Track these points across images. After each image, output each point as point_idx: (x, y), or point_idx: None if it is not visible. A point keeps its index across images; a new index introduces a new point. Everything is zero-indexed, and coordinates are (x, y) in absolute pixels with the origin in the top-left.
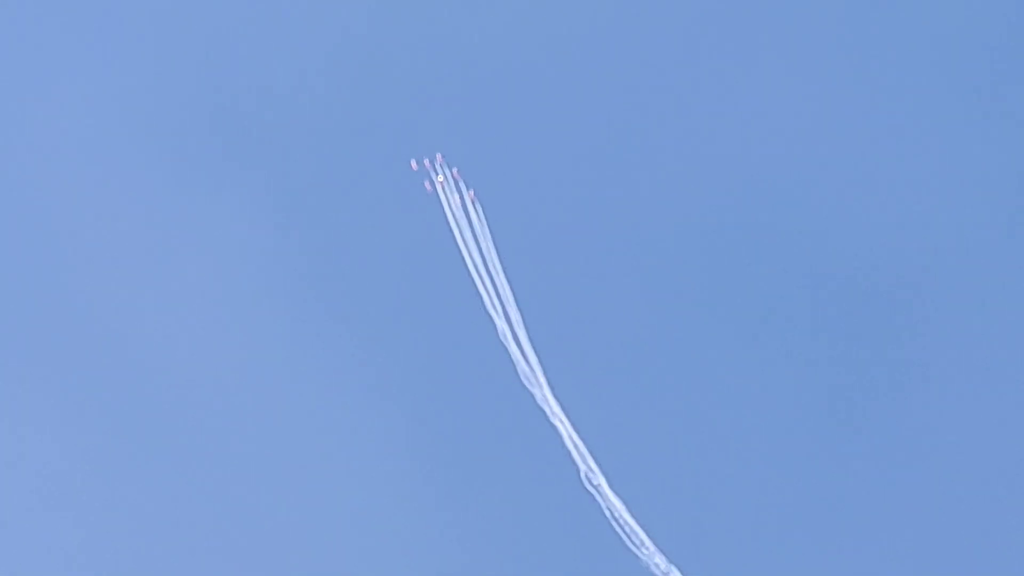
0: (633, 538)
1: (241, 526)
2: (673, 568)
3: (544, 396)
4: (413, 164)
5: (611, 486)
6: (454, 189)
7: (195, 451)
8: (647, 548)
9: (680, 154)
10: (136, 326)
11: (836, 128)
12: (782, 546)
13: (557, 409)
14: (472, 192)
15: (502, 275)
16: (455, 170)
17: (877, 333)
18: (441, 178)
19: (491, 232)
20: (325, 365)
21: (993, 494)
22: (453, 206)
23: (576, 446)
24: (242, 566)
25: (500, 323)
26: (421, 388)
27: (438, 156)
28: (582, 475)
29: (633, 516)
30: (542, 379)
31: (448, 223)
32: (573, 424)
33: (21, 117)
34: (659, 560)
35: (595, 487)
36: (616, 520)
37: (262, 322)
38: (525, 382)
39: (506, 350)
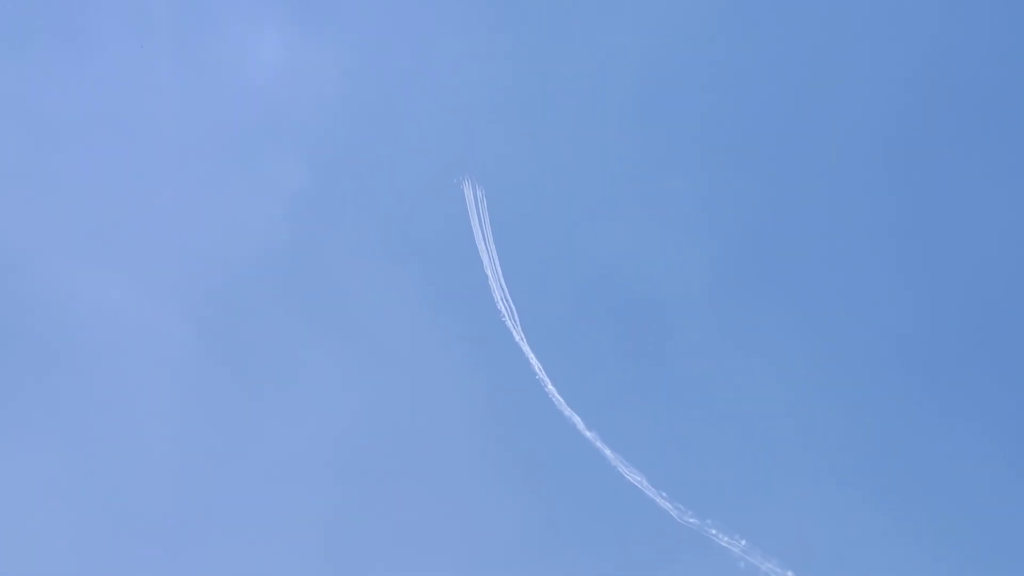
0: (555, 399)
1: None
2: (575, 413)
3: (514, 322)
4: (456, 182)
5: (551, 379)
6: (473, 189)
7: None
8: (562, 403)
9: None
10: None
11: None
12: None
13: (521, 334)
14: (483, 191)
15: (493, 245)
16: (476, 183)
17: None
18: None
19: (490, 215)
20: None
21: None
22: (470, 199)
23: (525, 344)
24: None
25: (489, 272)
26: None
27: (466, 177)
28: (535, 371)
29: (547, 375)
30: (513, 309)
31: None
32: (528, 337)
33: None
34: (568, 412)
35: (542, 379)
36: (549, 393)
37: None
38: (503, 310)
39: (492, 293)
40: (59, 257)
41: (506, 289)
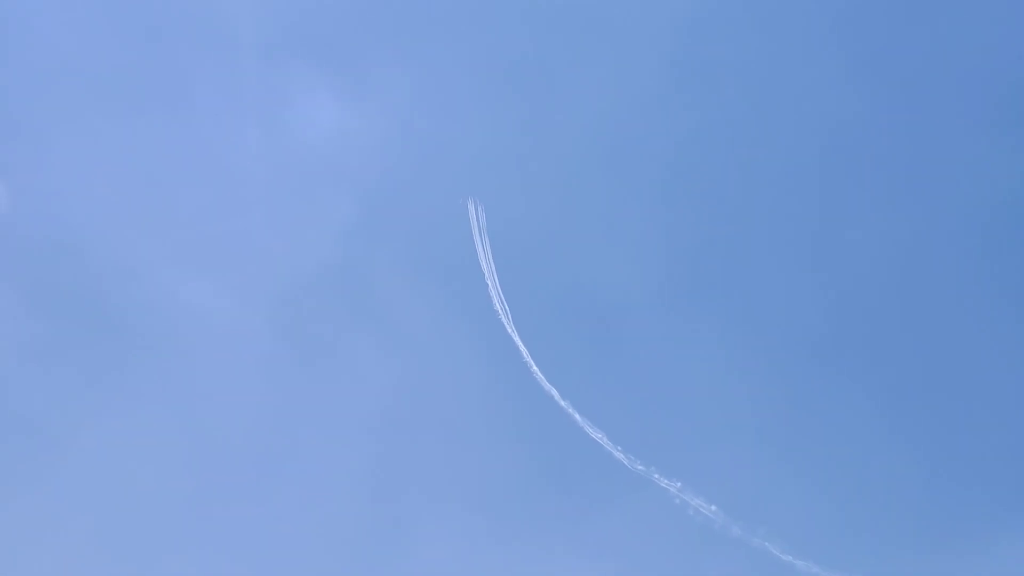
0: (538, 377)
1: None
2: (553, 388)
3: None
4: (462, 201)
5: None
6: (475, 207)
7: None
8: (543, 380)
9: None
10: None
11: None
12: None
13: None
14: (482, 207)
15: (492, 261)
16: (480, 214)
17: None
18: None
19: (488, 228)
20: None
21: None
22: (473, 214)
23: (502, 303)
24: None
25: (489, 281)
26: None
27: (470, 199)
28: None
29: (532, 359)
30: (507, 309)
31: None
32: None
33: None
34: (548, 386)
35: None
36: (534, 373)
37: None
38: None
39: (491, 297)
40: (166, 268)
41: (501, 294)
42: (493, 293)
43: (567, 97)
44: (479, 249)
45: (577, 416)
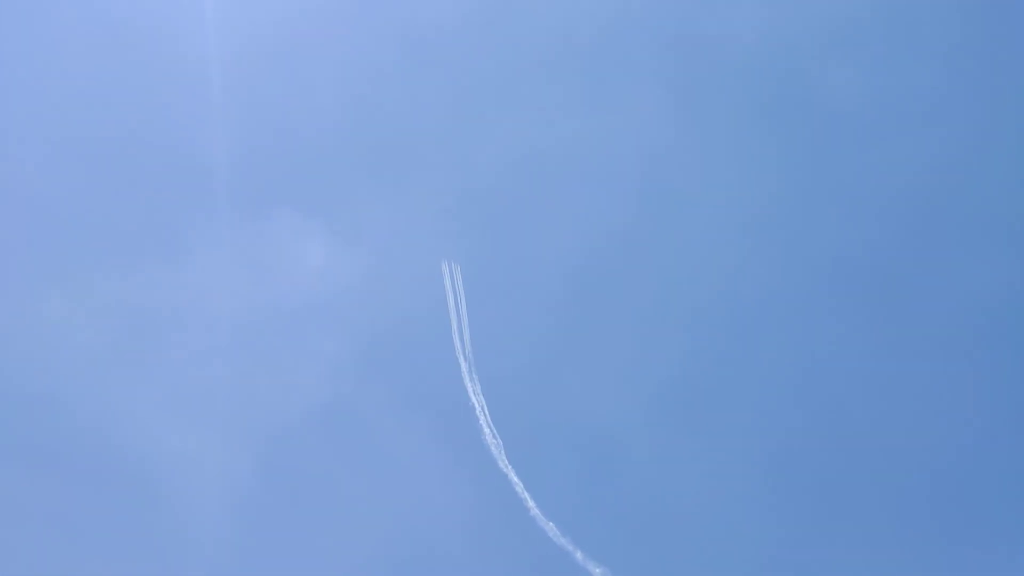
0: (534, 512)
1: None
2: (550, 522)
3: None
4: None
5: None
6: (452, 272)
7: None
8: (539, 515)
9: None
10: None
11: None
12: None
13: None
14: (459, 268)
15: (482, 396)
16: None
17: None
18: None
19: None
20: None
21: None
22: (449, 277)
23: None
24: None
25: (481, 418)
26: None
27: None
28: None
29: (528, 494)
30: (500, 445)
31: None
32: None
33: None
34: (533, 506)
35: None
36: (530, 508)
37: None
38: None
39: (483, 433)
40: (151, 417)
41: (495, 430)
42: (485, 428)
43: (551, 226)
44: (469, 388)
45: (578, 553)
